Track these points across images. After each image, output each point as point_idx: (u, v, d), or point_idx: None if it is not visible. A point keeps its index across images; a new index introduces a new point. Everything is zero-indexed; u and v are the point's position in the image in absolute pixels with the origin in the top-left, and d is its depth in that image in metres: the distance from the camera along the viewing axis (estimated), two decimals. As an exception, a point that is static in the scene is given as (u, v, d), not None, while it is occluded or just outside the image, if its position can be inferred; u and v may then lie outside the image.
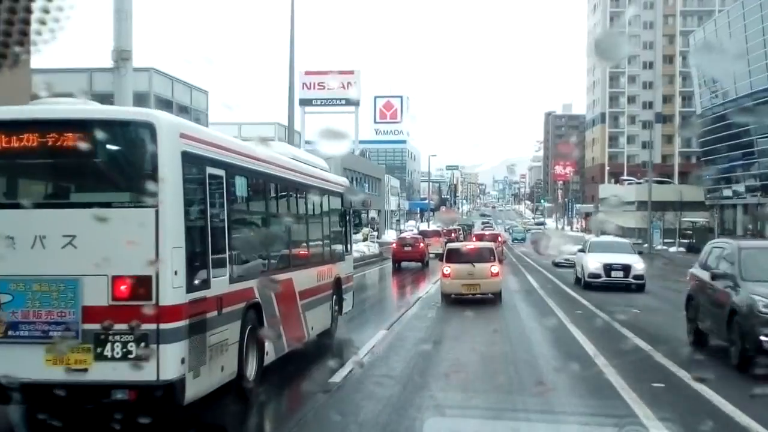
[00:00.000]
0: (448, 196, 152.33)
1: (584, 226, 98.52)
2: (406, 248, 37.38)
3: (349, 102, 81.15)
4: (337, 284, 13.57)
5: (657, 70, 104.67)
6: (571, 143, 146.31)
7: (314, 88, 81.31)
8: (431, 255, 38.64)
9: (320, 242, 12.75)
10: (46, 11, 2.97)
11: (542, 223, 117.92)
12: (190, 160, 7.17)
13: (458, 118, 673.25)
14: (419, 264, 37.21)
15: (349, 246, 15.27)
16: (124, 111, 8.49)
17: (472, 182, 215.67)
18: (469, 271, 18.46)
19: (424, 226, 71.74)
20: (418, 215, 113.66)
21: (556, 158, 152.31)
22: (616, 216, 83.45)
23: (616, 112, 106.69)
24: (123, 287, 6.61)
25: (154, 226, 6.62)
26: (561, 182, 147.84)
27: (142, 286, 6.59)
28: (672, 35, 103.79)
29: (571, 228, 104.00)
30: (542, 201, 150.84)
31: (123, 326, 6.55)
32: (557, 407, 8.26)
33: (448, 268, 18.91)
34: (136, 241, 6.59)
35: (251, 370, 8.67)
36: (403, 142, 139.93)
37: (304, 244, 11.84)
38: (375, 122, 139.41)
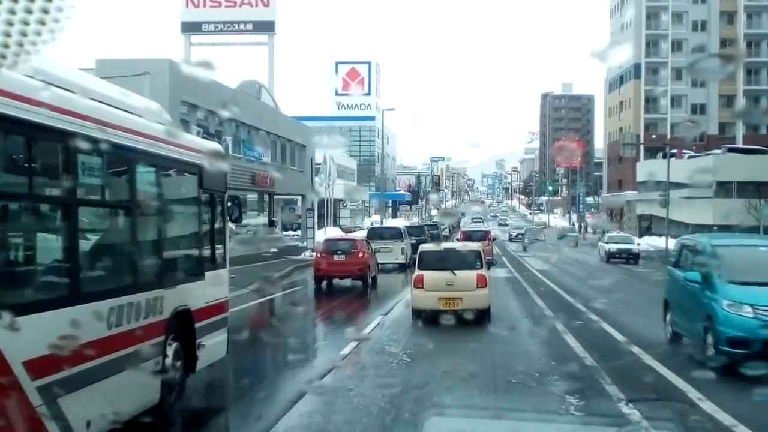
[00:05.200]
0: (429, 188, 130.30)
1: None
2: (335, 257, 24.69)
3: (260, 27, 52.18)
4: (183, 322, 8.20)
5: (712, 4, 76.20)
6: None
7: (205, 5, 51.85)
8: (396, 263, 30.89)
9: (127, 251, 7.35)
10: (46, 11, 3.04)
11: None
12: None
13: (446, 115, 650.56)
14: (360, 283, 24.88)
15: (217, 254, 9.65)
16: None
17: (456, 173, 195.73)
18: (448, 281, 15.51)
19: (397, 222, 56.88)
20: (390, 209, 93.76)
21: (560, 141, 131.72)
22: (675, 207, 54.98)
23: (655, 63, 77.66)
24: None
25: None
26: (562, 169, 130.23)
27: None
28: (733, -44, 75.37)
29: (585, 228, 78.51)
30: (549, 187, 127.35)
31: None
32: None
33: (420, 277, 15.81)
34: None
35: None
36: (372, 118, 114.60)
37: (60, 257, 6.34)
38: (337, 94, 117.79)
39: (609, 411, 8.15)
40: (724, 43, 75.58)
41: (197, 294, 8.74)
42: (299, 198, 47.87)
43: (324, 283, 24.74)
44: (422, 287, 15.65)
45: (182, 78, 28.45)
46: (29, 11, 2.92)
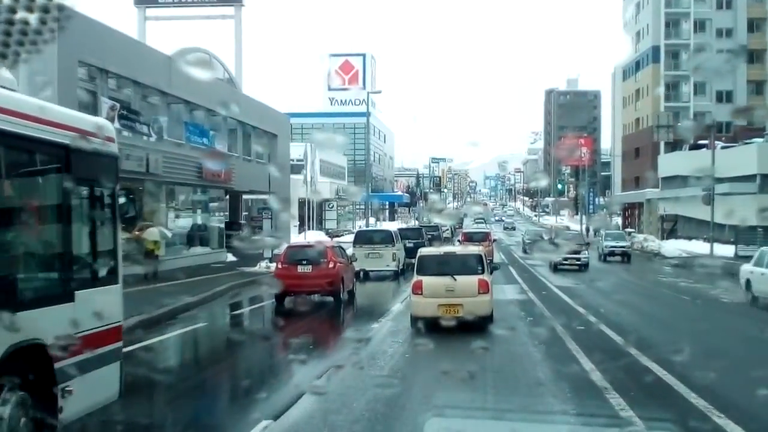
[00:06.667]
0: (430, 189, 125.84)
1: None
2: (300, 268, 20.79)
3: (225, -3, 45.53)
4: (32, 362, 6.49)
5: (739, -20, 68.81)
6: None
7: (161, -28, 45.04)
8: (386, 271, 28.17)
9: None
10: (46, 11, 3.24)
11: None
12: None
13: (447, 115, 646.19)
14: (331, 298, 20.99)
15: (99, 267, 7.82)
16: None
17: (458, 174, 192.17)
18: (448, 287, 15.19)
19: (393, 225, 53.57)
20: (387, 211, 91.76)
21: (565, 137, 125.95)
22: (698, 206, 48.93)
23: (675, 46, 70.27)
24: None
25: None
26: (568, 168, 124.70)
27: None
28: (762, -73, 68.16)
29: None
30: (558, 185, 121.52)
31: None
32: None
33: (419, 283, 15.49)
34: None
35: None
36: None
37: None
38: (329, 89, 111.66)
39: None
40: (751, 23, 68.41)
41: (60, 322, 6.74)
42: (271, 197, 40.77)
43: (292, 298, 20.38)
44: (421, 293, 15.33)
45: (80, 31, 21.16)
46: (30, 10, 3.02)
